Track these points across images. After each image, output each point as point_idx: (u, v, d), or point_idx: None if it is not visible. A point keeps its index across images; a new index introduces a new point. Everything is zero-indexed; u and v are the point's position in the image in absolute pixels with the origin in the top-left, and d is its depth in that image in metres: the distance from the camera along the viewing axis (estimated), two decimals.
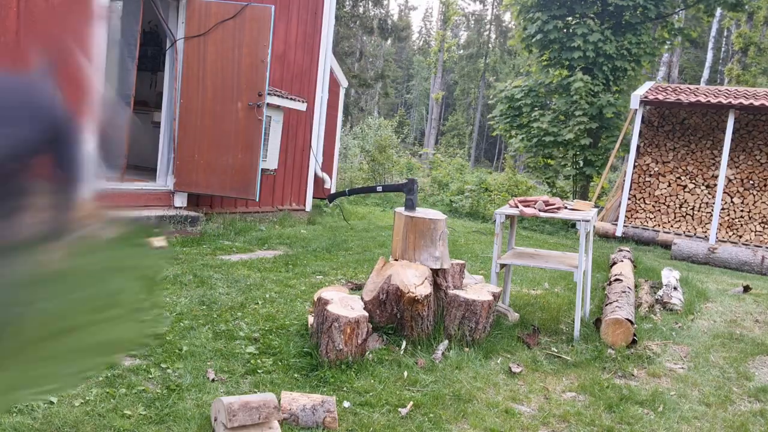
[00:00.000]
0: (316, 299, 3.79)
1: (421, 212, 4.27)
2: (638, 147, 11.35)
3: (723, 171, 10.35)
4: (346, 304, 3.70)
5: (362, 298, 4.05)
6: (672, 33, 14.18)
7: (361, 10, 24.85)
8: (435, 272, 4.09)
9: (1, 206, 2.49)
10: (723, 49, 29.76)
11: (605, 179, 12.60)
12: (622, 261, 6.77)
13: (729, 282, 7.43)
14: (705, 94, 10.83)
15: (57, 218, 2.64)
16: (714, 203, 10.63)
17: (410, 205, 4.33)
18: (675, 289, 5.83)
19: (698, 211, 10.98)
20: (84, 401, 2.85)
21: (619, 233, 10.85)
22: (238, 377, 3.31)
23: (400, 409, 3.08)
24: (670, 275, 6.32)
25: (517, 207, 4.63)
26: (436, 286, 4.13)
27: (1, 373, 1.77)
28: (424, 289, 3.90)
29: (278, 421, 2.69)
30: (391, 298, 3.93)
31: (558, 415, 3.25)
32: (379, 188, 4.97)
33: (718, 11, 18.50)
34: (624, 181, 11.40)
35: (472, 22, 48.12)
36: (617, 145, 11.73)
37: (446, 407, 3.18)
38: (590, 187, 13.89)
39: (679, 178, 11.18)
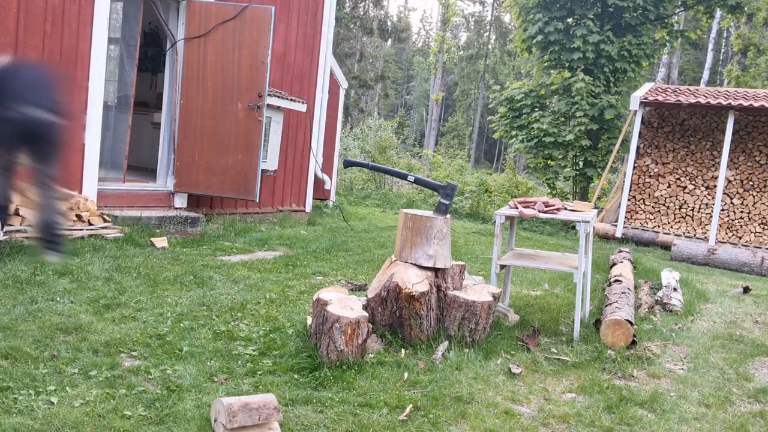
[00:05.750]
0: (314, 300, 3.80)
1: (423, 212, 4.27)
2: (638, 148, 11.35)
3: (723, 172, 10.35)
4: (345, 305, 3.71)
5: (367, 295, 4.11)
6: (672, 34, 14.19)
7: (361, 11, 24.88)
8: (435, 273, 4.09)
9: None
10: (722, 50, 29.78)
11: (605, 180, 12.60)
12: (621, 262, 6.77)
13: (729, 283, 7.43)
14: (705, 96, 10.83)
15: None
16: (714, 204, 10.64)
17: (443, 210, 4.13)
18: (675, 290, 5.83)
19: (698, 212, 10.98)
20: (84, 402, 2.85)
21: (618, 234, 10.85)
22: (238, 378, 3.31)
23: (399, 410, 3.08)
24: (669, 276, 6.32)
25: (517, 208, 4.63)
26: (437, 287, 4.13)
27: None
28: (422, 287, 3.90)
29: (278, 422, 2.69)
30: (392, 295, 3.95)
31: (558, 416, 3.25)
32: (411, 177, 4.38)
33: (718, 12, 18.50)
34: (624, 182, 11.41)
35: (472, 23, 48.15)
36: (617, 146, 11.74)
37: (446, 408, 3.19)
38: (590, 188, 13.90)
39: (678, 179, 11.18)
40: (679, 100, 10.54)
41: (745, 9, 14.03)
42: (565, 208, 4.78)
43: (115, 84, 8.57)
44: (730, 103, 10.17)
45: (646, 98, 10.86)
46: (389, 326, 4.03)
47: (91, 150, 6.59)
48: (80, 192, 6.45)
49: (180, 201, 7.50)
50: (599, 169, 12.92)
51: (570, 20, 13.42)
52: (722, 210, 10.74)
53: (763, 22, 25.16)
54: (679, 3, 13.67)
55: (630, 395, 3.56)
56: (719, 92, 11.26)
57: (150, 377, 3.19)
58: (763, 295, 6.68)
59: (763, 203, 10.53)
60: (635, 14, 13.03)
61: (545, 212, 4.55)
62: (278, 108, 8.18)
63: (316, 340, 3.63)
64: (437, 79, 37.91)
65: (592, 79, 12.76)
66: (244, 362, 3.51)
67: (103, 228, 6.12)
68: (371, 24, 25.06)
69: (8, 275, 4.56)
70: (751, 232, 10.52)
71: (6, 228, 5.41)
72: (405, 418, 3.02)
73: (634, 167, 11.39)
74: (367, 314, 3.67)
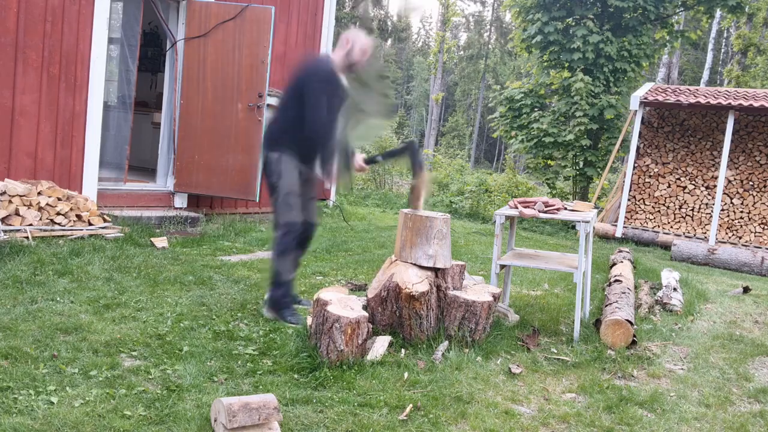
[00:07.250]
0: (315, 300, 3.80)
1: (423, 212, 4.27)
2: (638, 148, 11.36)
3: (723, 172, 10.35)
4: (345, 305, 3.71)
5: (367, 295, 4.12)
6: (672, 35, 14.19)
7: (361, 11, 24.88)
8: (435, 273, 4.09)
9: None
10: (723, 50, 29.78)
11: (605, 180, 12.60)
12: (621, 262, 6.77)
13: (729, 283, 7.43)
14: (705, 96, 10.83)
15: None
16: (714, 204, 10.64)
17: (419, 166, 4.22)
18: (675, 290, 5.83)
19: (698, 212, 10.98)
20: (84, 402, 2.85)
21: (618, 234, 10.85)
22: (238, 378, 3.31)
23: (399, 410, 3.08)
24: (669, 276, 6.32)
25: (517, 208, 4.63)
26: (437, 287, 4.13)
27: None
28: (422, 287, 3.90)
29: (278, 422, 2.69)
30: (392, 295, 3.95)
31: (558, 416, 3.25)
32: (379, 158, 4.77)
33: (718, 12, 18.49)
34: (624, 182, 11.41)
35: (473, 23, 48.16)
36: (617, 146, 11.74)
37: (446, 408, 3.19)
38: (590, 188, 13.90)
39: (678, 179, 11.18)
40: (679, 100, 10.54)
41: (746, 9, 14.01)
42: (565, 208, 4.78)
43: (115, 84, 8.58)
44: (730, 103, 10.17)
45: (646, 98, 10.86)
46: (389, 326, 4.03)
47: (91, 150, 6.60)
48: (80, 192, 6.45)
49: (180, 201, 7.50)
50: (599, 169, 12.92)
51: (570, 20, 13.42)
52: (722, 210, 10.74)
53: (763, 22, 25.16)
54: (679, 3, 13.67)
55: (630, 395, 3.56)
56: (719, 92, 11.27)
57: (150, 377, 3.19)
58: (763, 295, 6.68)
59: (763, 203, 10.53)
60: (635, 14, 13.03)
61: (545, 212, 4.55)
62: None
63: (316, 340, 3.64)
64: (437, 79, 37.87)
65: (591, 79, 12.76)
66: (244, 362, 3.51)
67: (103, 228, 6.12)
68: (371, 24, 25.07)
69: (8, 275, 4.56)
70: (751, 232, 10.52)
71: (6, 227, 5.41)
72: (405, 418, 3.02)
73: (634, 167, 11.39)
74: (367, 314, 3.67)
